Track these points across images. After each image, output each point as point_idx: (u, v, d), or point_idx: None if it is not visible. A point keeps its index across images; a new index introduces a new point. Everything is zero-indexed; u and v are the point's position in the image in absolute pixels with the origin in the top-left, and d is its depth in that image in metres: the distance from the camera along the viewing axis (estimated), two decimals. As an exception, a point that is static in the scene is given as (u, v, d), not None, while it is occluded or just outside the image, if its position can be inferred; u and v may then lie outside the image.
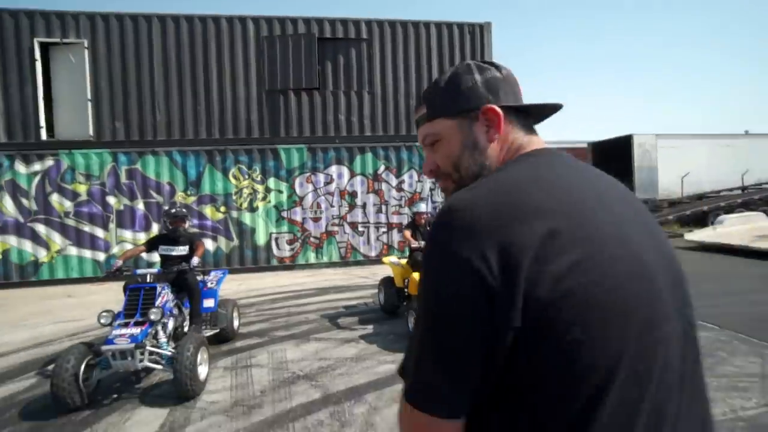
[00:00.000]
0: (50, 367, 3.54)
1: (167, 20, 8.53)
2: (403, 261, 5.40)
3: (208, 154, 8.73)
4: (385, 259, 5.84)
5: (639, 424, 0.53)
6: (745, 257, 8.39)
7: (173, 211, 4.22)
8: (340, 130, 9.22)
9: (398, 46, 9.35)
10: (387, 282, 5.39)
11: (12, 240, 8.10)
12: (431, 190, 9.62)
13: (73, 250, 8.33)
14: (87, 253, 8.39)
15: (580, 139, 25.12)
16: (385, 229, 9.51)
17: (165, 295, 3.70)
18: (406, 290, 5.14)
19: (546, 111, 0.77)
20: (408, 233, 5.15)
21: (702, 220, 12.14)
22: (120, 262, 3.89)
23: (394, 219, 9.51)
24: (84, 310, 6.20)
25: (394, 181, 9.48)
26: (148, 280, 3.73)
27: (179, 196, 8.67)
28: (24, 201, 8.13)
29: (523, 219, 0.54)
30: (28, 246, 8.15)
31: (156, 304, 3.48)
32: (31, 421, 3.01)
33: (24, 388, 3.59)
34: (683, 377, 0.58)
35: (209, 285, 4.55)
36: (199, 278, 4.37)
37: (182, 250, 4.17)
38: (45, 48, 8.26)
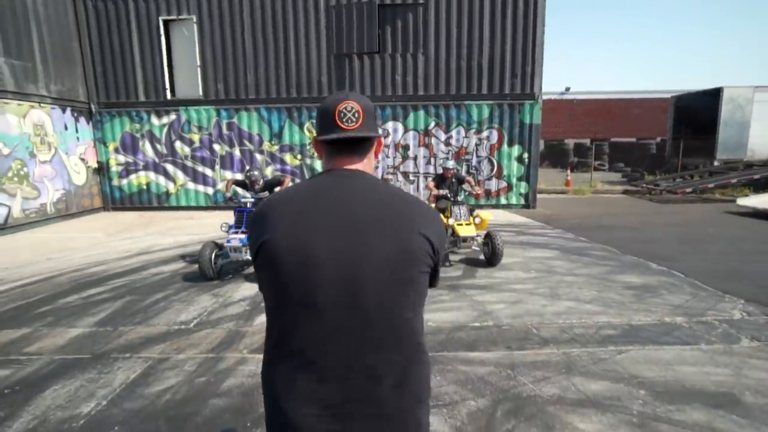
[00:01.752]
0: (193, 256, 5.79)
1: (255, -5, 10.12)
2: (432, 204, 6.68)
3: (287, 110, 10.57)
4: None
5: (304, 338, 0.94)
6: None
7: (249, 174, 5.52)
8: (396, 90, 10.41)
9: (452, 9, 9.99)
10: None
11: (151, 175, 10.93)
12: (477, 145, 10.58)
13: (191, 185, 10.98)
14: (200, 188, 11.00)
15: (674, 88, 22.96)
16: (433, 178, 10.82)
17: None
18: None
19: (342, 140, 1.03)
20: (431, 183, 6.21)
21: (775, 184, 11.46)
22: (228, 194, 5.64)
23: (441, 170, 10.72)
24: (201, 227, 8.70)
25: (442, 137, 10.60)
26: (248, 205, 5.38)
27: (266, 145, 10.76)
28: (158, 146, 10.80)
29: (269, 212, 1.00)
30: (162, 180, 10.95)
31: None
32: (190, 282, 5.20)
33: (180, 267, 5.86)
34: (338, 317, 0.92)
35: None
36: None
37: (262, 195, 5.56)
38: (166, 25, 10.42)
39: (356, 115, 1.01)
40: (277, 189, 5.57)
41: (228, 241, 5.07)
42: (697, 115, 16.06)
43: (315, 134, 1.15)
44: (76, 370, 3.16)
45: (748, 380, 2.96)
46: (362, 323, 0.92)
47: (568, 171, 16.43)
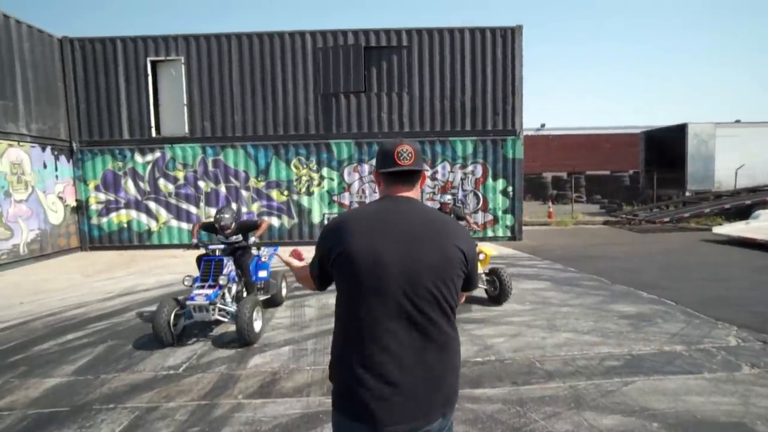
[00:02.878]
0: (181, 294, 5.46)
1: (243, 38, 10.42)
2: None
3: (274, 147, 10.63)
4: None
5: (373, 317, 1.22)
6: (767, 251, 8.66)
7: (218, 217, 4.72)
8: (382, 127, 10.66)
9: (435, 51, 10.50)
10: None
11: (133, 213, 10.66)
12: (462, 179, 10.80)
13: (174, 222, 10.74)
14: (184, 225, 10.75)
15: (640, 124, 24.33)
16: (420, 213, 10.91)
17: (229, 266, 4.61)
18: None
19: (403, 172, 1.34)
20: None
21: (745, 214, 12.01)
22: (195, 240, 4.98)
23: (428, 204, 10.86)
24: (186, 266, 8.37)
25: (428, 171, 10.79)
26: (216, 254, 4.66)
27: (252, 181, 10.71)
28: (141, 184, 10.61)
29: (344, 225, 1.31)
30: (144, 218, 10.68)
31: (223, 273, 4.42)
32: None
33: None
34: (398, 318, 1.21)
35: (263, 259, 5.28)
36: (255, 252, 5.22)
37: (234, 239, 4.89)
38: (153, 65, 10.54)
39: (410, 155, 1.34)
40: (254, 234, 4.98)
41: (191, 298, 4.19)
42: (665, 149, 16.96)
43: (376, 168, 1.41)
44: (52, 425, 2.90)
45: (757, 409, 2.94)
46: (416, 307, 1.23)
47: (550, 203, 16.87)
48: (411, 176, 1.37)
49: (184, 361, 3.97)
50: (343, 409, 1.27)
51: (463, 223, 6.20)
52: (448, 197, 6.22)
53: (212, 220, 4.93)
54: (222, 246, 4.77)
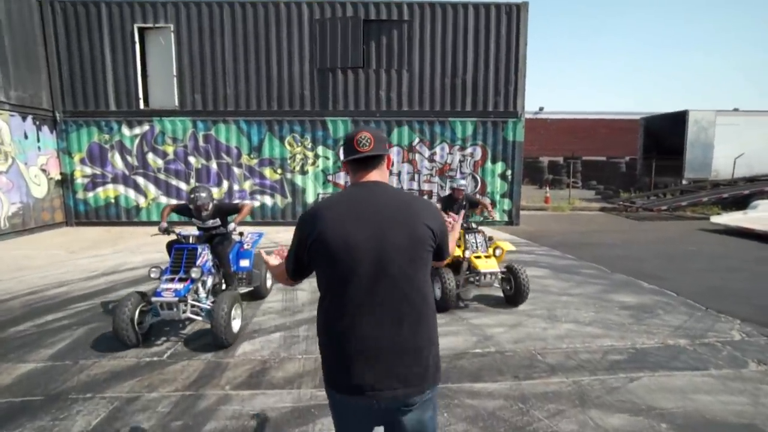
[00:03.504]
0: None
1: (236, 6, 9.86)
2: None
3: (268, 123, 10.24)
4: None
5: (350, 297, 1.32)
6: (765, 242, 8.61)
7: (192, 197, 4.13)
8: (380, 105, 10.29)
9: (437, 27, 10.05)
10: None
11: (120, 188, 10.29)
12: (460, 162, 10.54)
13: (163, 199, 10.39)
14: (174, 202, 10.40)
15: (639, 110, 24.05)
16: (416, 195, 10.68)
17: (205, 255, 4.00)
18: None
19: (367, 158, 1.42)
20: (438, 207, 5.16)
21: (742, 204, 11.94)
22: (165, 224, 4.16)
23: (425, 186, 10.64)
24: (176, 245, 8.14)
25: (426, 153, 10.51)
26: (191, 240, 4.06)
27: (244, 158, 10.36)
28: (128, 158, 10.21)
29: (318, 213, 1.37)
30: (131, 194, 10.33)
31: (197, 264, 3.81)
32: (158, 307, 4.72)
33: (152, 289, 5.37)
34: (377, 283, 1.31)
35: (245, 246, 4.75)
36: (237, 238, 4.66)
37: (211, 223, 4.30)
38: (141, 32, 9.98)
39: (369, 140, 1.41)
40: (233, 217, 4.37)
41: (157, 293, 3.58)
42: (665, 136, 16.76)
43: (342, 158, 1.50)
44: (24, 416, 2.70)
45: (767, 409, 2.83)
46: (388, 285, 1.32)
47: (547, 188, 16.70)
48: (374, 161, 1.43)
49: (169, 346, 3.77)
50: (333, 384, 1.38)
51: (480, 213, 5.72)
52: (462, 182, 5.42)
53: (185, 201, 4.27)
54: (197, 232, 4.18)
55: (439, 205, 5.30)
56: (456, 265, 4.86)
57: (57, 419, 2.67)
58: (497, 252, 4.89)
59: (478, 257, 4.75)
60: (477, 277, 4.71)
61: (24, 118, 9.17)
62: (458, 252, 4.77)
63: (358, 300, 1.31)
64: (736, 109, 22.42)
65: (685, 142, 15.36)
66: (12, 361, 3.45)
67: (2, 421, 2.66)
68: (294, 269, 1.46)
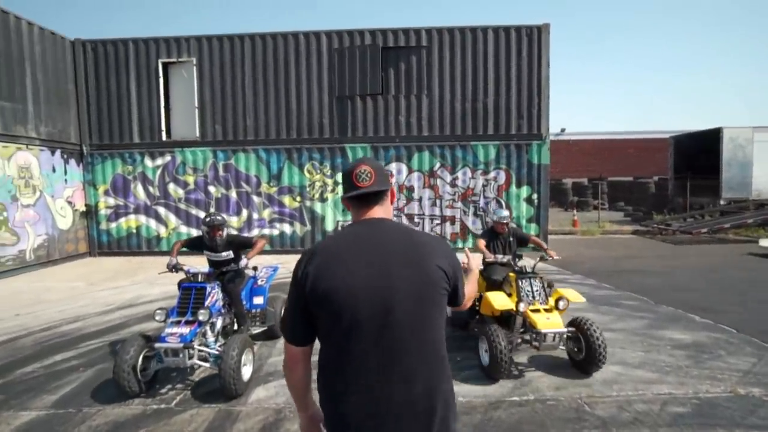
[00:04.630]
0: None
1: (256, 38, 10.07)
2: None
3: (287, 151, 10.24)
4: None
5: (353, 354, 1.14)
6: None
7: (208, 220, 4.00)
8: (400, 131, 10.16)
9: (456, 52, 9.97)
10: None
11: (142, 218, 10.37)
12: (483, 186, 10.21)
13: (183, 228, 10.40)
14: (194, 231, 10.39)
15: (667, 129, 23.33)
16: (438, 221, 10.36)
17: (214, 295, 3.76)
18: (477, 306, 4.36)
19: (362, 195, 1.28)
20: (482, 243, 4.43)
21: (790, 224, 11.11)
22: (174, 260, 3.97)
23: (448, 212, 10.31)
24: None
25: (448, 178, 10.24)
26: (199, 279, 3.83)
27: (263, 187, 10.32)
28: (150, 188, 10.33)
29: (314, 260, 1.20)
30: (152, 224, 10.38)
31: (205, 305, 3.57)
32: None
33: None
34: (381, 337, 1.13)
35: (260, 282, 4.50)
36: (250, 274, 4.44)
37: (225, 255, 4.11)
38: (165, 67, 10.28)
39: (369, 175, 1.28)
40: (247, 253, 4.13)
41: (161, 339, 3.31)
42: (697, 154, 16.04)
43: (342, 194, 1.35)
44: (16, 478, 2.45)
45: None
46: (396, 335, 1.15)
47: (574, 211, 16.10)
48: (376, 197, 1.31)
49: (177, 391, 3.50)
50: None
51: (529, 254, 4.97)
52: (504, 213, 4.54)
53: (197, 236, 4.05)
54: (206, 270, 3.91)
55: (482, 241, 4.47)
56: (507, 319, 4.00)
57: (49, 483, 2.40)
58: (561, 304, 3.84)
59: (536, 311, 3.76)
60: (536, 338, 3.69)
61: (53, 152, 9.43)
62: (510, 304, 3.85)
63: (361, 353, 1.14)
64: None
65: (720, 160, 14.62)
66: (14, 409, 3.24)
67: (-9, 483, 2.41)
68: (295, 329, 1.23)
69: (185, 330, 3.37)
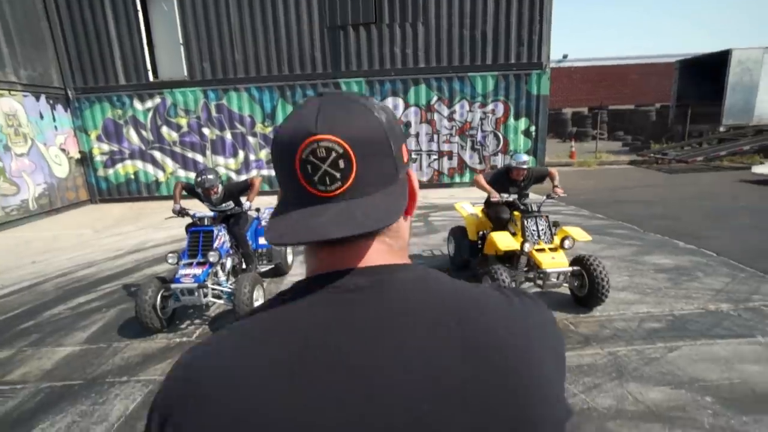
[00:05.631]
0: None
1: (238, -37, 9.28)
2: (479, 209, 4.76)
3: (279, 89, 9.92)
4: (457, 205, 5.12)
5: None
6: None
7: (200, 180, 3.95)
8: (395, 63, 9.76)
9: (453, -28, 9.26)
10: (458, 232, 4.73)
11: (138, 164, 10.33)
12: (481, 119, 10.05)
13: (181, 172, 10.41)
14: (192, 175, 10.43)
15: (675, 53, 22.30)
16: (436, 157, 10.35)
17: (221, 237, 3.94)
18: (480, 244, 4.48)
19: None
20: (483, 180, 4.20)
21: (787, 149, 11.11)
22: (178, 205, 4.07)
23: (445, 147, 10.27)
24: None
25: (445, 111, 10.05)
26: (206, 222, 3.99)
27: (258, 127, 10.16)
28: (143, 132, 10.16)
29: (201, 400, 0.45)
30: (150, 168, 10.37)
31: (214, 247, 3.76)
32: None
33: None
34: None
35: (263, 223, 4.65)
36: (253, 215, 4.61)
37: (224, 206, 4.20)
38: (143, 1, 9.58)
39: (342, 163, 0.47)
40: (245, 197, 4.22)
41: (176, 280, 3.57)
42: (703, 79, 15.53)
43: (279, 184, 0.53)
44: (66, 401, 2.78)
45: (824, 381, 2.65)
46: None
47: (572, 142, 15.99)
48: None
49: (198, 324, 3.81)
50: None
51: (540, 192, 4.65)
52: (524, 158, 4.11)
53: (190, 185, 4.10)
54: (212, 214, 4.07)
55: (482, 178, 4.22)
56: (510, 258, 4.01)
57: (96, 403, 2.74)
58: (566, 243, 3.78)
59: (541, 250, 3.76)
60: (541, 277, 3.71)
61: (37, 98, 9.13)
62: (515, 245, 3.84)
63: None
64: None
65: (725, 84, 14.18)
66: (50, 345, 3.56)
67: (46, 405, 2.75)
68: None
69: (198, 271, 3.61)
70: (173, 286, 3.55)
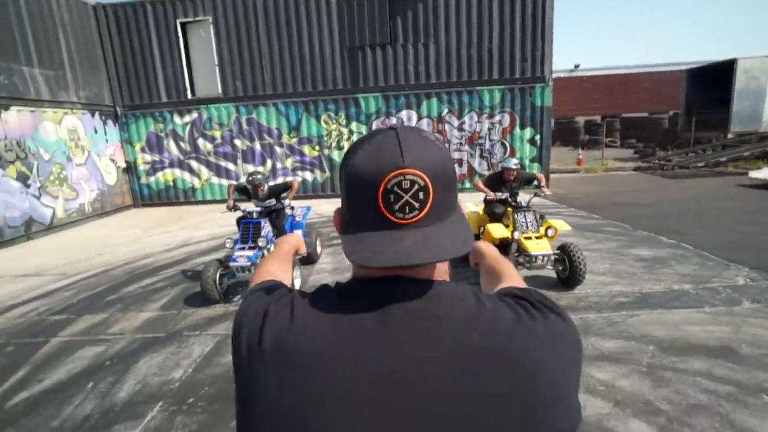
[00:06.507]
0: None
1: (268, -7, 10.41)
2: (480, 208, 5.55)
3: (304, 104, 10.94)
4: (462, 205, 5.34)
5: None
6: None
7: (251, 179, 4.89)
8: (409, 79, 10.68)
9: (461, -2, 10.17)
10: None
11: (177, 172, 11.46)
12: (489, 129, 10.84)
13: (215, 179, 11.49)
14: (224, 181, 11.50)
15: (687, 60, 22.68)
16: (447, 165, 11.15)
17: (267, 227, 4.83)
18: (480, 236, 5.11)
19: None
20: (480, 183, 5.10)
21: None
22: (231, 202, 4.94)
23: (455, 155, 11.07)
24: (231, 220, 9.16)
25: (455, 122, 10.89)
26: (254, 217, 4.86)
27: (285, 138, 11.18)
28: (181, 144, 11.30)
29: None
30: (186, 176, 11.48)
31: (261, 234, 4.65)
32: (231, 271, 5.69)
33: (222, 257, 6.38)
34: None
35: (297, 219, 5.59)
36: (289, 212, 5.47)
37: (268, 202, 5.07)
38: (183, 27, 10.79)
39: (421, 195, 0.54)
40: (286, 196, 5.14)
41: (233, 260, 4.45)
42: (710, 87, 15.97)
43: (342, 211, 0.62)
44: (158, 345, 3.68)
45: (745, 336, 3.34)
46: None
47: (579, 150, 16.56)
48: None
49: (246, 299, 4.69)
50: None
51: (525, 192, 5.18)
52: (513, 162, 4.99)
53: (244, 182, 5.03)
54: (259, 209, 4.91)
55: (480, 181, 5.15)
56: (504, 247, 4.64)
57: (180, 347, 3.63)
58: (550, 232, 4.54)
59: (528, 238, 4.45)
60: (527, 260, 4.39)
61: (93, 115, 10.36)
62: (507, 233, 4.61)
63: None
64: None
65: (732, 92, 14.63)
66: (133, 311, 4.49)
67: (143, 348, 3.65)
68: None
69: (250, 253, 4.49)
70: (231, 264, 4.42)
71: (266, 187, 5.05)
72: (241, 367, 0.57)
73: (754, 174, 9.94)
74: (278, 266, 0.89)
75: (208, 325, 4.05)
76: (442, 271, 0.61)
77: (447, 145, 10.95)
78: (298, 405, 0.51)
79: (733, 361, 3.01)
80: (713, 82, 15.78)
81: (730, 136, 14.63)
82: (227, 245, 4.67)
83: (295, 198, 10.74)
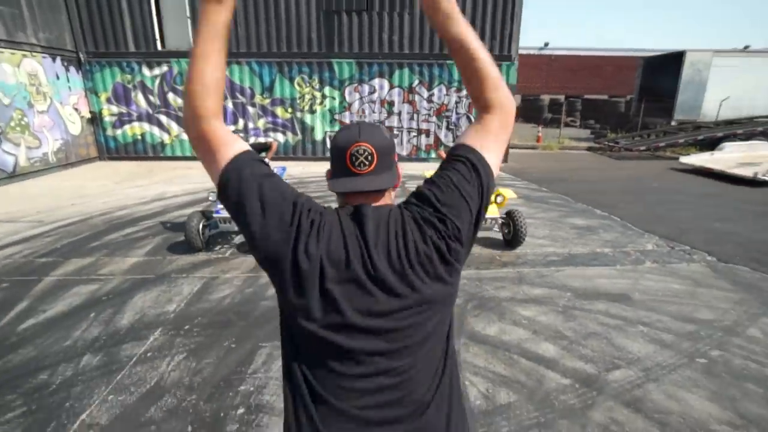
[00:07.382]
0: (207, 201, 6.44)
1: (244, -55, 10.11)
2: None
3: (278, 65, 10.95)
4: (426, 174, 7.06)
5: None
6: (730, 183, 9.41)
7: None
8: (383, 48, 10.90)
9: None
10: None
11: (145, 126, 11.28)
12: (456, 103, 11.37)
13: (185, 136, 11.42)
14: (194, 139, 11.44)
15: (647, 47, 23.84)
16: (415, 134, 11.67)
17: None
18: None
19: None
20: (442, 152, 5.89)
21: (717, 145, 12.82)
22: None
23: (423, 125, 11.58)
24: (204, 176, 9.29)
25: (425, 94, 11.32)
26: None
27: (257, 98, 11.20)
28: (150, 97, 11.07)
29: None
30: (156, 131, 11.34)
31: None
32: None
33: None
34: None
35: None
36: None
37: None
38: (153, -28, 10.33)
39: (369, 157, 0.98)
40: (266, 155, 5.31)
41: (217, 212, 4.86)
42: (662, 76, 17.15)
43: (330, 169, 1.05)
44: (149, 284, 4.12)
45: (640, 287, 4.22)
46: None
47: (540, 127, 17.48)
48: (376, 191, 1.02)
49: (227, 248, 5.14)
50: None
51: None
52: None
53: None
54: None
55: (442, 153, 5.71)
56: None
57: (171, 287, 4.08)
58: (498, 199, 5.15)
59: None
60: None
61: (53, 60, 9.92)
62: None
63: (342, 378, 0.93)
64: (746, 47, 22.31)
65: (678, 83, 15.85)
66: (120, 256, 4.84)
67: (135, 287, 4.07)
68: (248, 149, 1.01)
69: None
70: (215, 215, 4.88)
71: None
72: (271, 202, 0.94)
73: (684, 159, 11.14)
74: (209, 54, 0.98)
75: (194, 269, 4.50)
76: (389, 200, 1.04)
77: (416, 115, 11.44)
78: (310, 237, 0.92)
79: (626, 304, 3.87)
80: (665, 71, 16.94)
81: (673, 123, 15.97)
82: (210, 197, 5.02)
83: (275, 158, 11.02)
